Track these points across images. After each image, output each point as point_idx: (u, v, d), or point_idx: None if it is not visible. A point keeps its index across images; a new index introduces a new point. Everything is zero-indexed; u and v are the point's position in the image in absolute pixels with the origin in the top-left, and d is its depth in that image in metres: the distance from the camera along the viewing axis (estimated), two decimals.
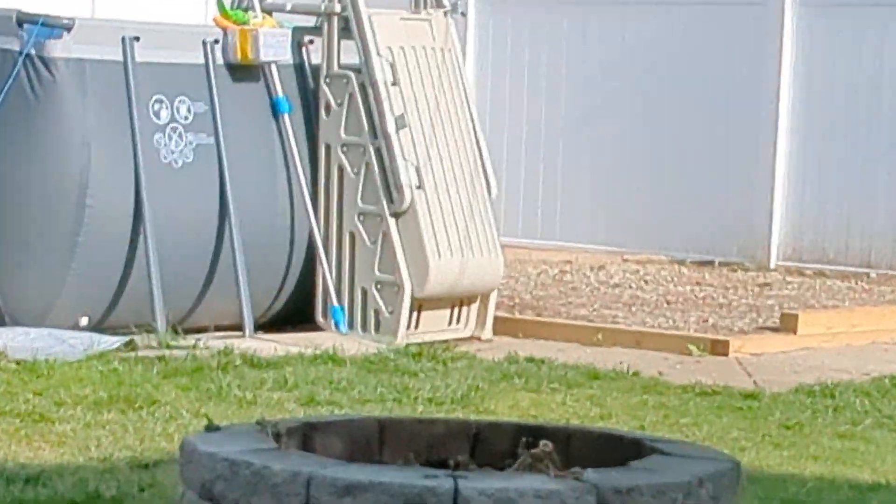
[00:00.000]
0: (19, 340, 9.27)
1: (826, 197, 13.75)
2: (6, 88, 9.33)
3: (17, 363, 8.74)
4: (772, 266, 13.70)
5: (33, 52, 9.34)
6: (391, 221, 10.18)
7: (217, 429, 4.75)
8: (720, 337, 10.74)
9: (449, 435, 5.22)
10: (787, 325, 11.23)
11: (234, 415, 7.64)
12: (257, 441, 4.58)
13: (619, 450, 4.89)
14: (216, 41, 9.99)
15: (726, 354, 10.28)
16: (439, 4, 10.75)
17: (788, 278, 13.83)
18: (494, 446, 5.10)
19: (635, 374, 9.32)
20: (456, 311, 10.69)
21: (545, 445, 4.62)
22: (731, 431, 7.81)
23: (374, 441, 5.14)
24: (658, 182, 14.41)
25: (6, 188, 9.53)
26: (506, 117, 14.50)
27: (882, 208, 13.71)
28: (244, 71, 10.15)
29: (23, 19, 9.40)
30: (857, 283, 13.54)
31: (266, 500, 4.29)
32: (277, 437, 4.66)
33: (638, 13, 14.42)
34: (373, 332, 10.30)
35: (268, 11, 10.45)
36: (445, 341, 10.40)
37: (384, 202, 10.23)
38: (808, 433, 7.95)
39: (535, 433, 4.90)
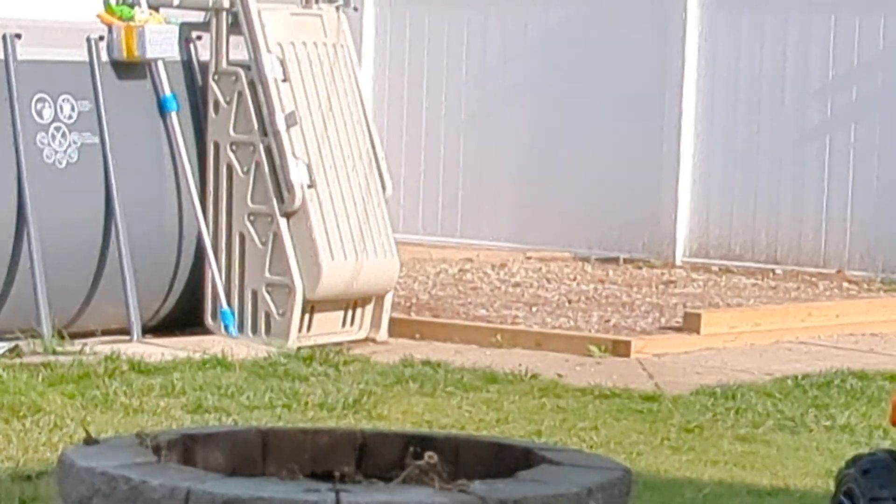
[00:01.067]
0: None
1: (732, 192, 13.55)
2: None
3: None
4: (678, 262, 13.42)
5: None
6: (282, 221, 9.83)
7: (96, 442, 4.44)
8: (622, 337, 10.50)
9: (335, 445, 4.94)
10: (690, 324, 11.00)
11: (119, 423, 7.39)
12: (136, 454, 4.34)
13: (509, 460, 4.65)
14: (101, 38, 9.67)
15: (628, 355, 10.06)
16: (331, 0, 10.53)
17: (694, 275, 13.47)
18: (382, 457, 4.81)
19: (534, 376, 8.99)
20: (350, 312, 10.33)
21: (430, 457, 4.25)
22: (629, 435, 7.68)
23: (257, 453, 4.80)
24: (562, 177, 14.03)
25: None
26: (405, 113, 14.13)
27: (787, 204, 13.54)
28: (130, 68, 9.84)
29: None
30: (762, 280, 13.34)
31: None
32: (157, 449, 4.38)
33: (540, 5, 14.03)
34: (263, 335, 9.92)
35: (154, 7, 10.06)
36: (339, 344, 10.05)
37: (275, 202, 9.86)
38: (707, 436, 7.83)
39: (423, 443, 4.64)
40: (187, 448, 4.42)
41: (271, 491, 3.83)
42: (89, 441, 4.23)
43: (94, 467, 3.93)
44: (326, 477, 4.14)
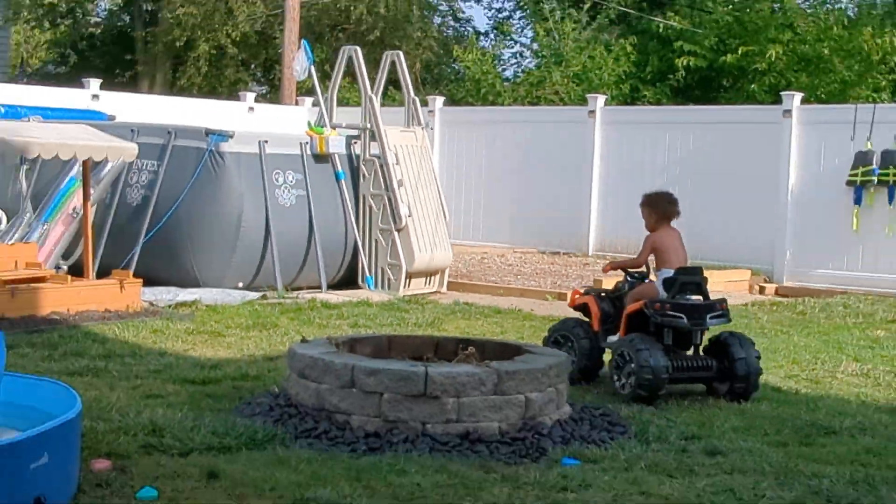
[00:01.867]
0: (208, 295, 11.60)
1: (619, 218, 17.36)
2: (199, 168, 12.17)
3: (206, 307, 11.18)
4: (590, 254, 17.34)
5: (213, 149, 12.21)
6: (396, 234, 13.24)
7: (307, 341, 6.92)
8: (562, 291, 13.35)
9: (423, 344, 7.27)
10: (597, 284, 13.22)
11: (316, 332, 9.59)
12: (327, 347, 6.63)
13: (509, 351, 6.89)
14: (307, 142, 13.07)
15: (565, 300, 12.25)
16: (419, 123, 13.74)
17: (599, 261, 16.34)
18: (446, 350, 7.12)
19: (519, 310, 12.01)
20: (428, 278, 13.61)
21: (470, 350, 6.89)
22: None
23: (385, 348, 7.18)
24: (531, 209, 18.27)
25: (202, 218, 12.17)
26: (454, 179, 18.67)
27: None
28: (321, 158, 13.14)
29: (208, 132, 12.35)
30: None
31: (331, 379, 6.34)
32: (337, 345, 6.73)
33: (515, 128, 18.86)
34: (386, 289, 13.14)
35: (333, 127, 13.57)
36: (422, 294, 13.15)
37: (392, 224, 13.24)
38: None
39: (466, 343, 7.06)
40: (352, 345, 6.96)
41: (393, 365, 6.27)
42: (304, 340, 6.94)
43: (306, 353, 6.47)
44: (419, 359, 6.78)
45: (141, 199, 12.69)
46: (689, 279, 7.87)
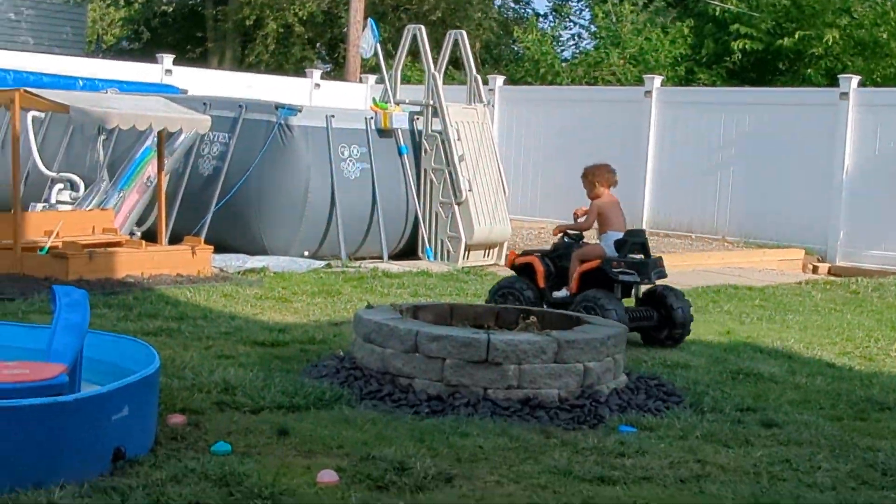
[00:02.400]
0: (275, 263, 11.77)
1: (673, 197, 17.68)
2: (269, 140, 12.27)
3: (275, 274, 11.30)
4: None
5: (282, 122, 12.32)
6: (456, 207, 13.34)
7: (372, 307, 7.09)
8: None
9: (484, 313, 7.37)
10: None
11: (379, 300, 9.81)
12: (391, 314, 6.74)
13: (569, 321, 6.98)
14: (371, 117, 13.18)
15: None
16: (480, 100, 13.85)
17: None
18: (507, 319, 7.20)
19: None
20: (487, 251, 13.75)
21: (532, 318, 6.99)
22: None
23: (447, 315, 7.24)
24: (576, 187, 17.99)
25: (270, 189, 12.29)
26: (513, 154, 18.66)
27: (698, 201, 17.40)
28: (385, 133, 13.28)
29: (277, 105, 12.53)
30: (685, 241, 16.74)
31: (395, 343, 6.41)
32: (401, 312, 6.84)
33: (573, 107, 18.93)
34: (446, 261, 13.34)
35: (397, 103, 13.70)
36: (481, 266, 13.30)
37: (452, 197, 13.34)
38: None
39: (527, 313, 7.11)
40: (415, 312, 7.00)
41: (455, 332, 6.30)
42: (369, 307, 7.11)
43: (371, 319, 6.55)
44: (480, 327, 6.83)
45: (212, 169, 12.80)
46: (637, 240, 8.65)
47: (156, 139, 11.94)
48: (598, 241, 8.82)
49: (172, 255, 10.97)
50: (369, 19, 15.11)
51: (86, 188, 13.36)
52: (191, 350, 7.49)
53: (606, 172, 8.91)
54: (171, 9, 34.86)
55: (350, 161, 12.95)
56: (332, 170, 12.64)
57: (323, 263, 12.12)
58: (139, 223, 12.87)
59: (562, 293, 8.60)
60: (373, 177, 13.03)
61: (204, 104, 12.89)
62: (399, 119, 13.28)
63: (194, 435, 5.45)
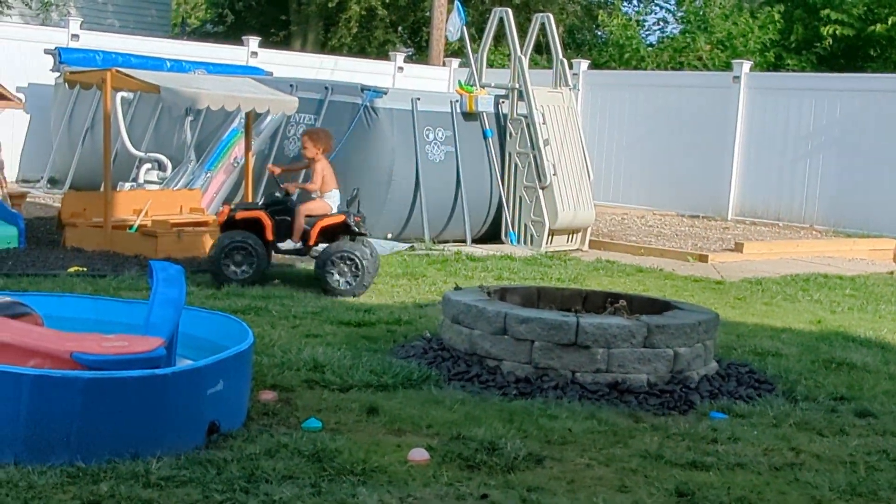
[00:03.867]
0: None
1: (761, 185, 17.53)
2: (354, 122, 12.38)
3: None
4: (729, 218, 17.35)
5: (368, 104, 12.50)
6: (540, 192, 13.31)
7: (459, 289, 7.30)
8: (703, 253, 13.41)
9: (571, 297, 7.41)
10: (738, 248, 13.74)
11: (464, 282, 9.73)
12: (479, 295, 6.85)
13: (657, 306, 6.99)
14: (457, 101, 13.20)
15: (706, 262, 12.98)
16: (566, 84, 13.79)
17: (738, 225, 16.69)
18: (594, 303, 7.26)
19: (660, 269, 12.03)
20: (571, 236, 13.72)
21: (621, 302, 7.22)
22: (710, 299, 9.93)
23: (534, 298, 7.29)
24: (670, 174, 18.24)
25: (355, 171, 12.07)
26: (598, 139, 18.64)
27: (787, 189, 17.18)
28: (470, 116, 13.32)
29: (363, 88, 12.60)
30: (773, 228, 16.55)
31: (483, 325, 6.43)
32: (488, 293, 6.94)
33: (658, 91, 18.85)
34: (529, 245, 13.35)
35: (482, 86, 13.76)
36: (565, 251, 13.40)
37: (536, 181, 13.29)
38: (748, 303, 10.07)
39: (615, 297, 7.41)
40: (502, 294, 7.10)
41: (545, 314, 6.35)
42: (457, 288, 7.28)
43: (460, 300, 6.66)
44: (568, 311, 6.79)
45: (298, 150, 12.70)
46: (354, 199, 9.64)
47: (243, 120, 12.06)
48: (320, 198, 9.63)
49: None
50: (456, 2, 15.15)
51: (173, 168, 13.51)
52: (279, 328, 7.56)
53: (327, 137, 9.85)
54: None
55: (435, 144, 12.99)
56: (417, 153, 12.72)
57: (406, 246, 12.24)
58: (225, 203, 12.88)
59: (289, 244, 9.46)
60: (457, 160, 13.07)
61: (290, 86, 12.98)
62: (485, 102, 13.31)
63: (285, 411, 5.52)
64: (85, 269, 9.34)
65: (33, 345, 4.57)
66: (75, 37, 17.47)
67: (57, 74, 16.09)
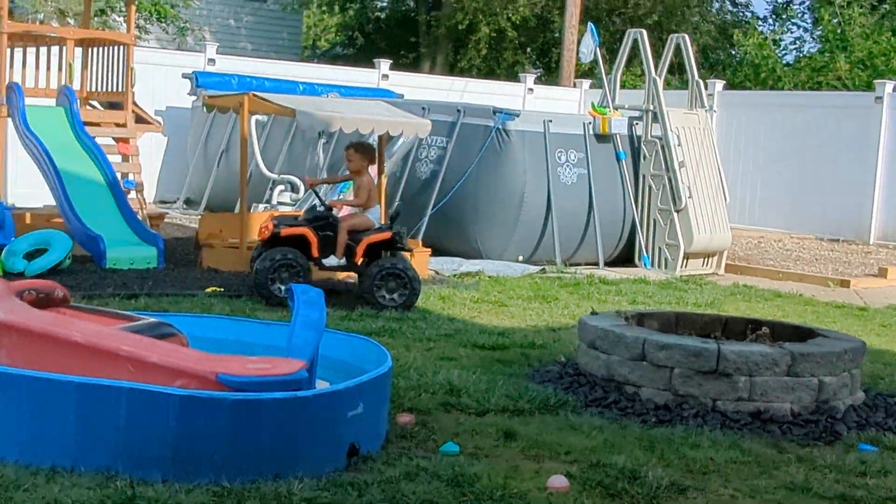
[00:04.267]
0: (490, 266, 12.07)
1: None
2: (485, 145, 12.51)
3: (490, 278, 11.53)
4: (871, 243, 16.93)
5: (500, 127, 12.58)
6: (675, 214, 13.22)
7: (595, 313, 7.44)
8: (845, 278, 13.15)
9: (710, 322, 7.28)
10: (882, 273, 13.43)
11: (596, 307, 9.69)
12: (616, 320, 6.83)
13: (801, 334, 6.82)
14: (589, 123, 13.22)
15: (848, 287, 12.72)
16: (702, 105, 13.64)
17: (881, 249, 16.31)
18: (734, 330, 7.14)
19: (800, 295, 11.85)
20: (706, 259, 13.58)
21: (764, 329, 7.00)
22: (853, 326, 9.84)
23: (672, 324, 7.24)
24: (808, 197, 17.90)
25: (487, 193, 12.53)
26: (732, 159, 18.36)
27: None
28: (602, 137, 13.30)
29: (495, 110, 12.69)
30: None
31: (621, 350, 6.39)
32: (626, 318, 6.96)
33: (796, 112, 18.52)
34: (664, 269, 13.29)
35: (615, 108, 13.70)
36: (700, 275, 13.24)
37: (671, 204, 13.21)
38: (894, 330, 9.96)
39: (756, 324, 7.23)
40: (640, 319, 7.07)
41: (685, 340, 6.27)
42: (593, 313, 7.27)
43: (596, 325, 6.67)
44: (707, 337, 6.73)
45: (430, 173, 13.02)
46: (397, 215, 9.74)
47: (375, 143, 12.13)
48: (363, 213, 9.56)
49: None
50: (590, 24, 15.16)
51: (305, 190, 13.67)
52: (413, 351, 7.62)
53: (372, 150, 9.83)
54: (384, 14, 35.60)
55: (567, 166, 13.00)
56: (549, 175, 12.76)
57: (538, 268, 12.25)
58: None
59: (332, 261, 9.35)
60: (590, 182, 13.08)
61: (423, 108, 13.13)
62: (618, 124, 13.27)
63: (422, 434, 5.55)
64: (222, 290, 9.50)
65: (180, 365, 4.68)
66: (211, 61, 17.90)
67: (194, 98, 16.54)
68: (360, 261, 9.36)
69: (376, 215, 9.60)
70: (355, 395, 4.90)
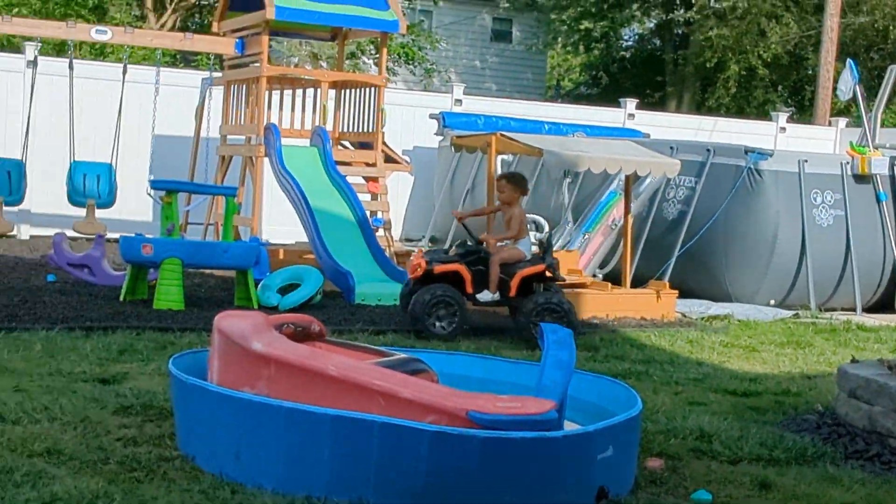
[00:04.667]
0: (740, 310, 11.78)
1: None
2: (737, 185, 12.32)
3: (738, 321, 11.31)
4: None
5: (752, 166, 12.37)
6: None
7: (856, 361, 6.89)
8: None
9: None
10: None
11: (855, 354, 9.20)
12: (879, 369, 6.50)
13: None
14: (847, 162, 12.79)
15: None
16: None
17: None
18: None
19: None
20: None
21: None
22: None
23: None
24: None
25: (737, 234, 12.30)
26: None
27: None
28: (861, 178, 12.92)
29: (747, 150, 12.50)
30: None
31: (885, 401, 6.05)
32: (889, 367, 6.56)
33: None
34: None
35: (876, 147, 13.21)
36: None
37: None
38: None
39: None
40: None
41: None
42: (854, 361, 6.80)
43: (858, 373, 6.36)
44: None
45: (677, 213, 12.89)
46: (550, 246, 9.64)
47: (621, 183, 12.16)
48: (514, 245, 9.47)
49: (637, 298, 11.16)
50: (849, 60, 14.76)
51: (550, 229, 13.79)
52: (661, 394, 7.55)
53: (525, 181, 9.78)
54: (629, 54, 35.57)
55: (823, 207, 12.70)
56: (804, 216, 12.48)
57: (790, 313, 12.00)
58: (601, 265, 13.21)
59: (486, 296, 9.28)
60: (847, 224, 12.72)
61: (671, 148, 13.05)
62: (878, 164, 12.84)
63: (673, 480, 5.44)
64: (467, 327, 9.60)
65: (431, 401, 4.75)
66: (458, 101, 18.26)
67: (441, 138, 16.87)
68: (514, 294, 9.30)
69: (527, 247, 9.55)
70: (606, 438, 4.87)
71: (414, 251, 14.73)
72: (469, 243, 9.59)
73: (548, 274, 9.33)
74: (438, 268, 9.23)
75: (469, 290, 9.30)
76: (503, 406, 4.74)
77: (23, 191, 12.53)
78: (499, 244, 9.56)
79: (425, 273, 9.24)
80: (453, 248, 9.66)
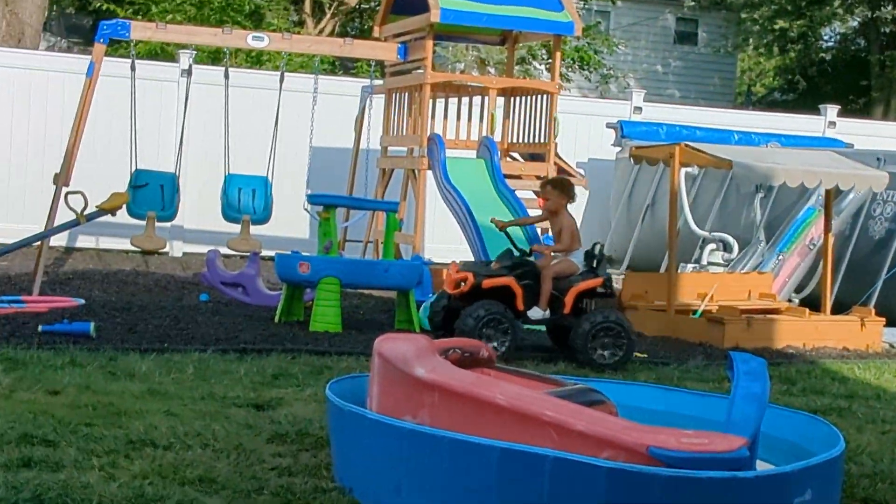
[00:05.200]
0: None
1: None
2: None
3: None
4: None
5: None
6: None
7: None
8: None
9: None
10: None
11: None
12: None
13: None
14: None
15: None
16: None
17: None
18: None
19: None
20: None
21: None
22: None
23: None
24: None
25: None
26: None
27: None
28: None
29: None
30: None
31: None
32: None
33: None
34: None
35: None
36: None
37: None
38: None
39: None
40: None
41: None
42: None
43: None
44: None
45: (884, 232, 12.65)
46: (603, 257, 9.50)
47: (820, 198, 11.95)
48: (565, 257, 9.38)
49: (838, 325, 10.98)
50: None
51: (740, 249, 13.65)
52: (866, 433, 7.36)
53: (572, 188, 9.64)
54: (830, 56, 34.79)
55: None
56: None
57: None
58: (798, 290, 13.07)
59: (537, 313, 9.17)
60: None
61: (877, 159, 12.79)
62: None
63: None
64: (646, 355, 9.61)
65: (607, 435, 4.70)
66: (637, 109, 18.17)
67: (618, 149, 16.82)
68: (569, 312, 9.19)
69: (580, 258, 9.41)
70: (804, 480, 4.74)
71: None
72: (515, 254, 9.50)
73: (603, 290, 9.28)
74: (487, 282, 9.11)
75: (520, 306, 9.18)
76: (688, 442, 4.67)
77: (176, 206, 12.80)
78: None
79: (473, 288, 9.10)
80: (494, 261, 9.59)
